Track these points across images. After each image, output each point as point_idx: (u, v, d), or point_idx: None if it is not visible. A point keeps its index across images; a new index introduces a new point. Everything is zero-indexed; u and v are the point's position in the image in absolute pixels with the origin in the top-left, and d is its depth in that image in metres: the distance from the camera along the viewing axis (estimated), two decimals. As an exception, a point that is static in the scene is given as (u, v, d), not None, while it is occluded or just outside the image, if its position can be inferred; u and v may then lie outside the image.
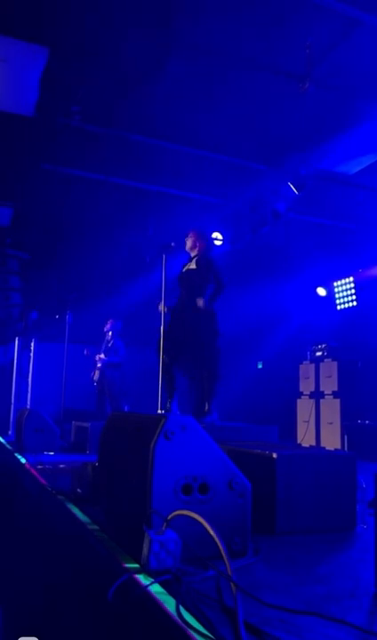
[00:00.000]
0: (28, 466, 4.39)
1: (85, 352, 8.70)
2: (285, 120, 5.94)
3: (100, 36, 4.69)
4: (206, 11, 4.43)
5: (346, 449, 6.86)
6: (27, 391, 9.26)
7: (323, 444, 7.45)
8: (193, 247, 5.69)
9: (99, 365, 8.45)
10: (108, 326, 8.67)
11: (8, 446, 6.06)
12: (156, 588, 1.62)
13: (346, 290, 8.87)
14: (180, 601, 1.49)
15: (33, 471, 4.05)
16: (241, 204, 7.95)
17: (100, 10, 4.40)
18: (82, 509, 2.71)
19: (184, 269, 5.68)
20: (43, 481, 3.59)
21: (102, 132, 6.15)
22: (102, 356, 8.47)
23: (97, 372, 8.49)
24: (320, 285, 9.26)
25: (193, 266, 5.60)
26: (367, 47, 4.77)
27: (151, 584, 1.63)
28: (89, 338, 9.03)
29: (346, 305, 8.84)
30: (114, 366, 8.44)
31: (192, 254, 5.70)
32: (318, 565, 2.02)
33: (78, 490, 3.00)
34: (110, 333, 8.61)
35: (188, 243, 5.71)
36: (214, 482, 2.06)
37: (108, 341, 8.57)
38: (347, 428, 7.14)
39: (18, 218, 8.02)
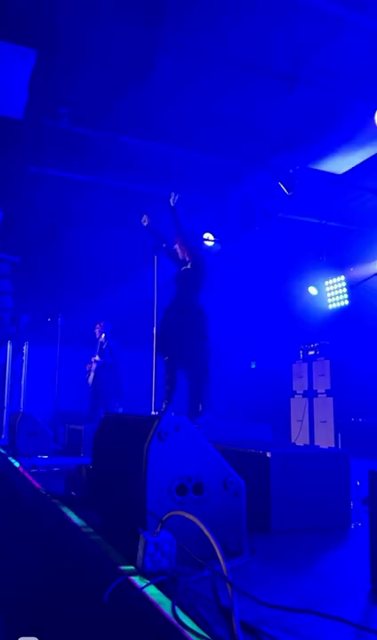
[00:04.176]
0: (21, 469, 4.37)
1: None
2: (275, 120, 5.96)
3: (87, 37, 4.68)
4: (194, 11, 4.44)
5: (340, 447, 6.88)
6: (20, 394, 9.22)
7: (316, 443, 7.47)
8: (183, 250, 5.69)
9: (93, 367, 8.43)
10: (98, 331, 8.64)
11: (2, 450, 6.03)
12: (151, 590, 1.61)
13: (337, 289, 8.89)
14: (175, 602, 1.49)
15: (27, 475, 4.03)
16: (231, 204, 7.96)
17: (87, 11, 4.39)
18: (76, 512, 2.70)
19: (182, 268, 5.69)
20: (37, 484, 3.58)
21: (91, 134, 6.14)
22: (97, 357, 8.45)
23: (92, 375, 8.46)
24: (312, 284, 9.28)
25: (188, 266, 5.62)
26: (354, 46, 4.79)
27: (147, 585, 1.63)
28: (81, 340, 9.00)
29: (338, 304, 8.86)
30: (108, 367, 8.41)
31: (185, 257, 5.71)
32: (314, 563, 2.02)
33: (73, 493, 2.99)
34: (104, 336, 8.58)
35: (178, 247, 5.72)
36: (209, 482, 2.06)
37: (102, 343, 8.56)
38: (340, 425, 7.17)
39: (8, 221, 7.98)
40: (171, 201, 5.42)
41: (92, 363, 8.49)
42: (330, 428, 7.36)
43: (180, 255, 5.72)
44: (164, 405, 5.45)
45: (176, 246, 5.73)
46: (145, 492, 1.94)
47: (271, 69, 5.10)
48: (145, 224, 5.66)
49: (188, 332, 5.35)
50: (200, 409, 5.31)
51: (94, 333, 8.70)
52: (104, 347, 8.51)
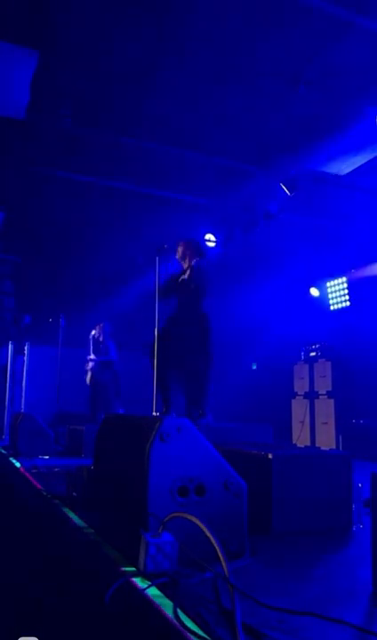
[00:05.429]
0: (22, 470, 4.37)
1: None
2: (277, 121, 5.95)
3: (90, 38, 4.69)
4: (196, 12, 4.44)
5: (341, 448, 6.87)
6: (21, 395, 9.23)
7: (318, 444, 7.46)
8: (183, 257, 5.68)
9: (90, 366, 8.43)
10: (97, 331, 8.63)
11: (3, 451, 6.03)
12: (153, 591, 1.61)
13: (339, 290, 8.89)
14: (177, 603, 1.49)
15: (28, 475, 4.03)
16: (233, 206, 7.96)
17: (90, 12, 4.39)
18: (78, 513, 2.70)
19: (179, 280, 5.68)
20: (38, 485, 3.58)
21: (93, 135, 6.14)
22: (92, 356, 8.43)
23: (89, 375, 8.46)
24: (313, 286, 9.28)
25: (185, 277, 5.61)
26: (357, 48, 4.78)
27: (148, 587, 1.63)
28: (83, 341, 9.00)
29: (339, 305, 8.86)
30: (105, 365, 8.39)
31: (184, 264, 5.70)
32: (315, 565, 2.02)
33: (74, 493, 2.99)
34: (93, 332, 8.57)
35: (179, 252, 5.71)
36: (210, 483, 2.06)
37: (100, 343, 8.55)
38: (341, 427, 7.16)
39: (9, 221, 7.99)
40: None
41: (88, 362, 8.47)
42: (331, 429, 7.35)
43: (178, 256, 5.70)
44: (164, 409, 5.44)
45: (178, 248, 5.72)
46: (146, 493, 1.94)
47: (274, 70, 5.10)
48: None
49: (191, 338, 5.35)
50: (201, 411, 5.31)
51: (91, 333, 8.65)
52: (101, 346, 8.50)
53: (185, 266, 5.68)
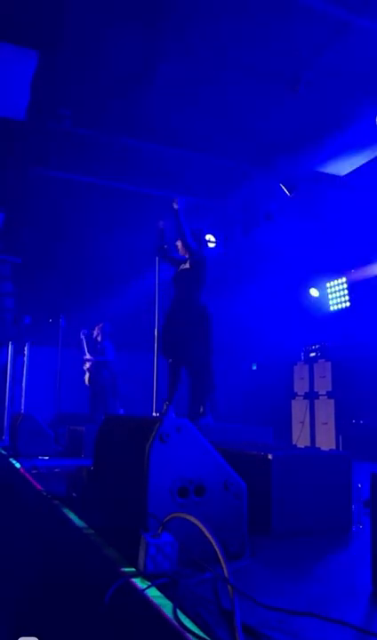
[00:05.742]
0: (22, 471, 4.37)
1: None
2: (277, 122, 5.96)
3: (89, 38, 4.69)
4: (196, 12, 4.44)
5: (341, 449, 6.86)
6: (21, 395, 9.22)
7: (318, 445, 7.45)
8: (183, 250, 5.67)
9: (87, 366, 8.43)
10: (96, 332, 8.63)
11: (3, 451, 6.02)
12: (152, 592, 1.61)
13: (339, 290, 8.89)
14: (177, 604, 1.49)
15: (28, 476, 4.03)
16: (233, 206, 7.97)
17: (89, 12, 4.40)
18: (77, 513, 2.70)
19: (179, 269, 5.67)
20: (38, 486, 3.57)
21: (93, 135, 6.15)
22: (88, 356, 8.43)
23: (87, 374, 8.46)
24: (313, 286, 9.28)
25: (187, 266, 5.59)
26: (357, 48, 4.79)
27: (148, 588, 1.62)
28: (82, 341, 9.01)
29: (339, 305, 8.86)
30: (102, 365, 8.39)
31: (186, 255, 5.70)
32: (315, 566, 2.02)
33: (73, 494, 2.98)
34: (99, 337, 8.58)
35: (179, 245, 5.70)
36: (210, 483, 2.05)
37: (97, 343, 8.56)
38: (341, 427, 7.15)
39: (9, 222, 7.99)
40: (174, 205, 5.40)
41: (85, 362, 8.47)
42: (331, 429, 7.35)
43: (181, 252, 5.69)
44: (165, 406, 5.44)
45: (178, 243, 5.71)
46: (146, 493, 1.93)
47: (273, 71, 5.11)
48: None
49: (190, 332, 5.34)
50: (201, 410, 5.30)
51: (82, 333, 8.64)
52: (98, 346, 8.51)
53: (186, 256, 5.66)
